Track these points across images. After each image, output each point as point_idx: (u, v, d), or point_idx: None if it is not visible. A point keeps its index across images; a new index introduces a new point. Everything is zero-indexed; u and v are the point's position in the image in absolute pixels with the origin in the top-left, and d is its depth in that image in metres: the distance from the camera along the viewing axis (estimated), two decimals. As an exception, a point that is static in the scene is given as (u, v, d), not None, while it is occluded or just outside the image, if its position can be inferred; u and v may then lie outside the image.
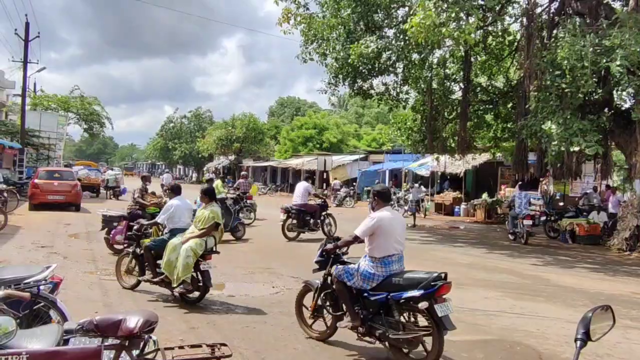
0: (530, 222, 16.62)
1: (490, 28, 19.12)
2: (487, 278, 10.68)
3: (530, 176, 18.97)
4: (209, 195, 8.11)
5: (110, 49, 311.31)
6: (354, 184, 36.40)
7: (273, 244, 14.56)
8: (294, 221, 15.42)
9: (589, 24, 13.79)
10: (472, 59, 20.15)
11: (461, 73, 20.24)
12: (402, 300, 5.31)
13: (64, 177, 22.01)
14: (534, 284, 10.29)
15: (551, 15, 16.36)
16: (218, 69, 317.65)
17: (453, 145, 21.31)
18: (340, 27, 18.12)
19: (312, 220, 15.53)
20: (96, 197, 29.19)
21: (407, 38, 15.45)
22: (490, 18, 16.87)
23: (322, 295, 6.09)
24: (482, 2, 14.62)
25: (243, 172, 25.89)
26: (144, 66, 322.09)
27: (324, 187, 39.73)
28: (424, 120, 21.15)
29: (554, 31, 15.70)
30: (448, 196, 27.54)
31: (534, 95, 14.26)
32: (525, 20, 16.02)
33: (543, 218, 18.67)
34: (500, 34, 19.74)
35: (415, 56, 17.81)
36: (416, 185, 25.55)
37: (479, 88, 21.21)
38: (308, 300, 6.45)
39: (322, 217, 15.88)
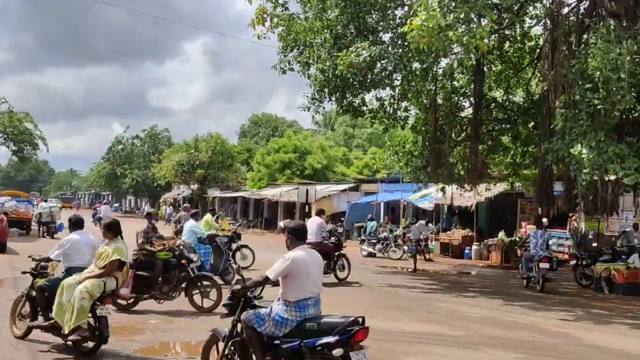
0: (547, 265, 16.67)
1: (507, 32, 19.32)
2: (505, 336, 10.60)
3: (557, 211, 18.96)
4: (112, 230, 8.50)
5: (47, 54, 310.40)
6: (342, 219, 36.28)
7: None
8: None
9: (625, 27, 13.93)
10: (485, 69, 20.33)
11: (472, 86, 20.39)
12: (317, 348, 5.75)
13: (-15, 210, 21.74)
14: (562, 343, 10.20)
15: (580, 16, 16.56)
16: (178, 79, 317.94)
17: (462, 172, 21.33)
18: (326, 30, 18.18)
19: (325, 262, 15.61)
20: (26, 235, 28.75)
21: (406, 44, 15.51)
22: (507, 20, 17.05)
23: (230, 344, 6.39)
24: (497, 1, 14.78)
25: (185, 204, 26.23)
26: (87, 75, 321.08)
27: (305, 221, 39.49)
28: (427, 143, 21.20)
29: (584, 36, 15.87)
30: (456, 235, 27.50)
31: (561, 112, 14.32)
32: (549, 23, 16.20)
33: (573, 262, 18.65)
34: (519, 38, 19.96)
35: (416, 66, 17.86)
36: (422, 221, 25.31)
37: (493, 104, 21.36)
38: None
39: (335, 259, 16.49)
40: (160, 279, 11.66)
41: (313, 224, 16.32)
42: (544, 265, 16.60)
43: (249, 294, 6.34)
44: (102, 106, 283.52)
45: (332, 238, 17.19)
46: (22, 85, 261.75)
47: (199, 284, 11.65)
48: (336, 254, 16.65)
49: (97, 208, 44.69)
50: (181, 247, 12.19)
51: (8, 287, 13.55)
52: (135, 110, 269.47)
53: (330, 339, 5.66)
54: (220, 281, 15.02)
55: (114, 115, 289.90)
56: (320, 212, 17.80)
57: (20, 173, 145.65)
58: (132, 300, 11.14)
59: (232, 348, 6.38)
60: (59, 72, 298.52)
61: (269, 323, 6.02)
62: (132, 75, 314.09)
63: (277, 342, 5.98)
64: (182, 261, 11.69)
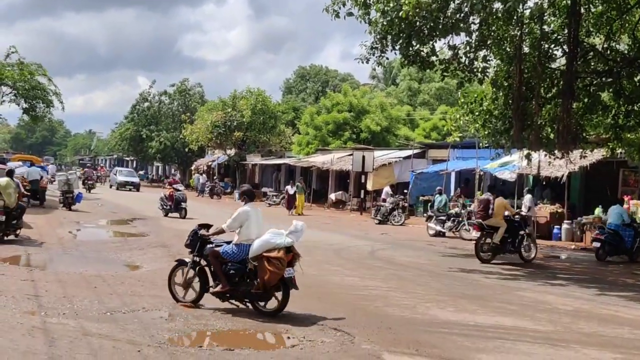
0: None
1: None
2: (601, 332, 10.52)
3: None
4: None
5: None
6: (405, 191, 36.22)
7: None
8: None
9: None
10: (583, 10, 19.87)
11: (566, 31, 19.96)
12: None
13: (-6, 177, 22.32)
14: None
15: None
16: (215, 24, 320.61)
17: (552, 136, 21.01)
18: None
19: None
20: (40, 207, 29.51)
21: (486, -21, 15.30)
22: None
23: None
24: None
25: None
26: (110, 20, 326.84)
27: (362, 195, 39.64)
28: (510, 100, 20.92)
29: None
30: (543, 211, 27.14)
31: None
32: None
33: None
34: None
35: (497, 6, 17.60)
36: (529, 195, 25.59)
37: (591, 53, 20.89)
38: None
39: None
40: None
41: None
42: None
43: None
44: (126, 57, 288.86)
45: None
46: (34, 32, 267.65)
47: None
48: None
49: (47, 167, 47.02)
50: None
51: (21, 266, 14.05)
52: (164, 62, 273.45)
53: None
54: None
55: (140, 67, 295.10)
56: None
57: (32, 135, 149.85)
58: None
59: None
60: (78, 16, 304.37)
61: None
62: (161, 20, 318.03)
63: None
64: None
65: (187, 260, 11.13)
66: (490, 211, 19.26)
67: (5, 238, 17.78)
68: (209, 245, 10.90)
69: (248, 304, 10.60)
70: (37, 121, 51.67)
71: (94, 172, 37.44)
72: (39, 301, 10.54)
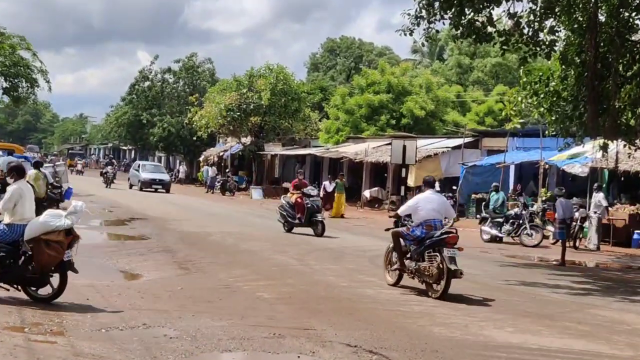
0: None
1: None
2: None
3: None
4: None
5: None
6: (454, 187, 36.08)
7: (316, 289, 14.76)
8: None
9: None
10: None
11: (650, -4, 19.79)
12: None
13: (-30, 168, 22.77)
14: None
15: None
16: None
17: (632, 122, 20.84)
18: None
19: None
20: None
21: None
22: None
23: None
24: None
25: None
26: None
27: (403, 192, 39.54)
28: (582, 80, 20.76)
29: None
30: (620, 212, 26.92)
31: None
32: None
33: None
34: None
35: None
36: (600, 194, 25.40)
37: (681, 23, 20.68)
38: None
39: None
40: None
41: None
42: None
43: None
44: (124, 28, 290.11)
45: None
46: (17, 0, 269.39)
47: None
48: None
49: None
50: None
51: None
52: (168, 34, 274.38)
53: None
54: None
55: (140, 40, 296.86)
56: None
57: (13, 119, 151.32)
58: None
59: None
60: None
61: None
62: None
63: None
64: None
65: None
66: None
67: None
68: None
69: (19, 289, 11.43)
70: (19, 103, 52.27)
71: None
72: (22, 315, 10.58)
